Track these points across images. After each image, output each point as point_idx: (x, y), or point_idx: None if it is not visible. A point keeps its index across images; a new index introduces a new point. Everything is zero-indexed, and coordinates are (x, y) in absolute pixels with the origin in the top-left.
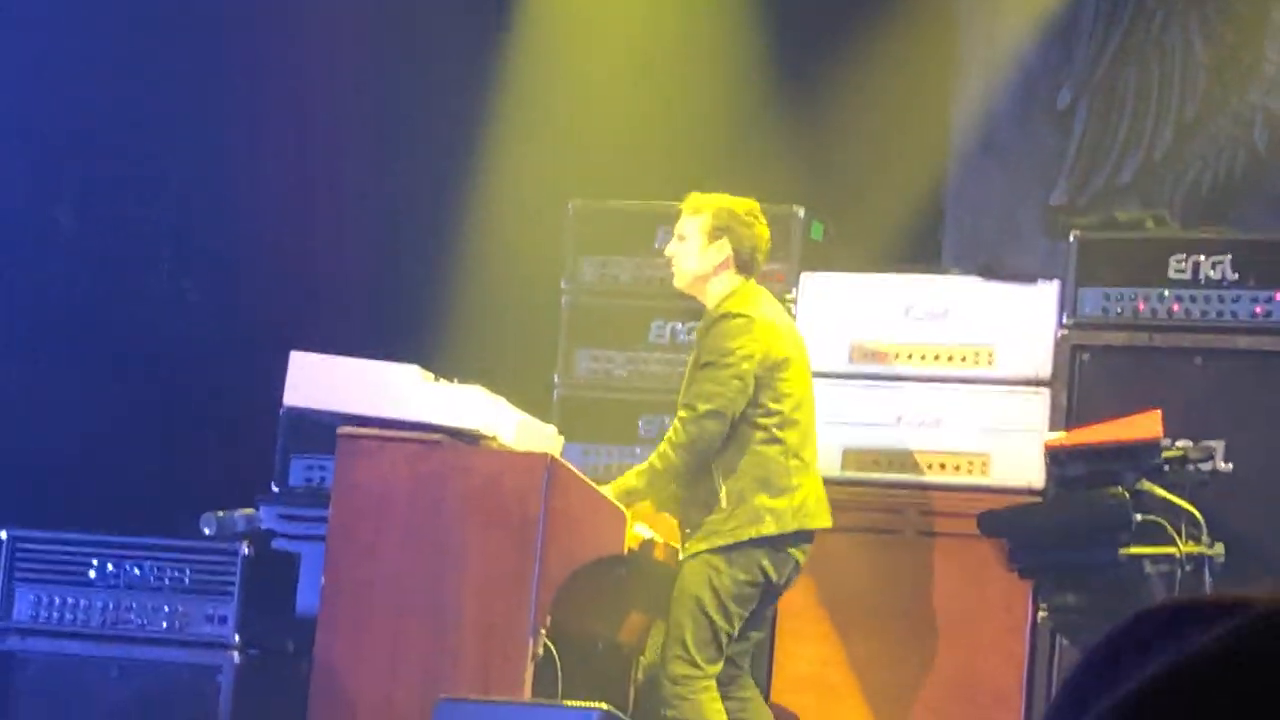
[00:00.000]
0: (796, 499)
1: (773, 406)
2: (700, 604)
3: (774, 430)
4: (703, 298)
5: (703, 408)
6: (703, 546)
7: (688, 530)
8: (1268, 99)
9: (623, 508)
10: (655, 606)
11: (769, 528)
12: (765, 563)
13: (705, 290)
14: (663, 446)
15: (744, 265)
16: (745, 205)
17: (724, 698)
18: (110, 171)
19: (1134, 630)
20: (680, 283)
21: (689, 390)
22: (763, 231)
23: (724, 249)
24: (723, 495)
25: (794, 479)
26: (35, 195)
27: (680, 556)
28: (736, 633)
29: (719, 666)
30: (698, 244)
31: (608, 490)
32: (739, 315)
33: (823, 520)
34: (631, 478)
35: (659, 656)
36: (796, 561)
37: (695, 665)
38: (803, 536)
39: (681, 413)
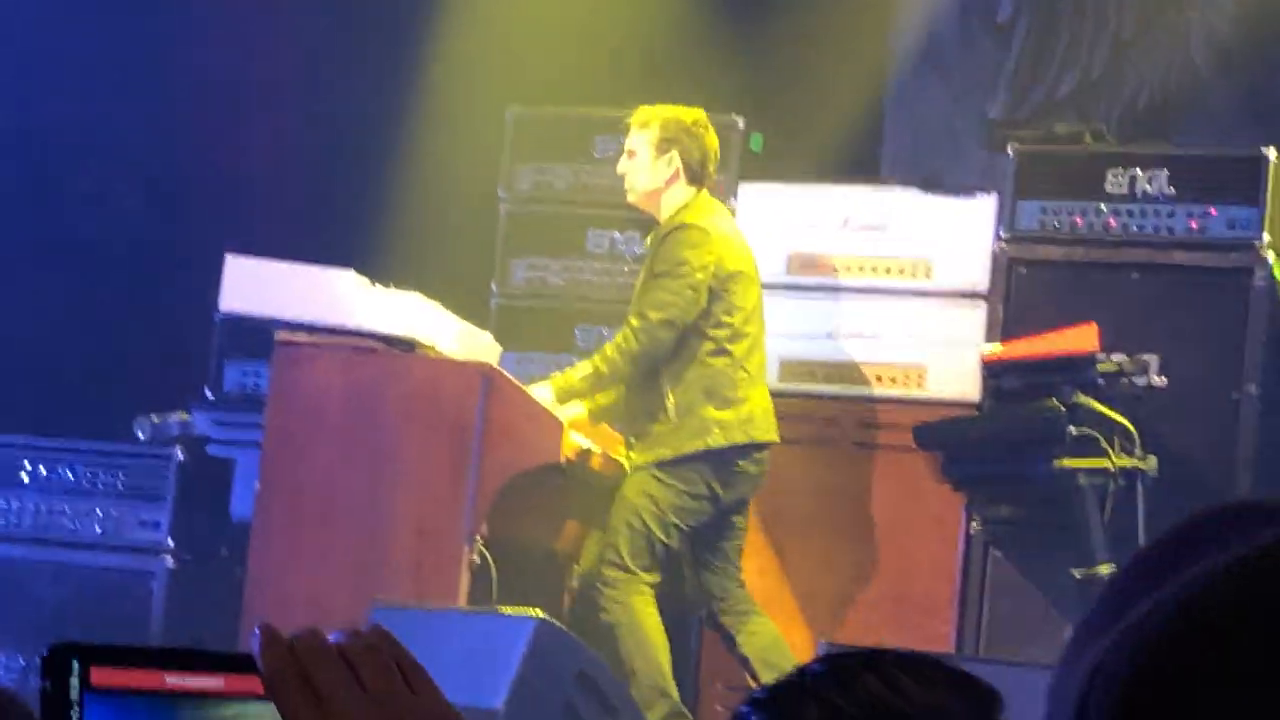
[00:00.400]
0: (743, 411)
1: (724, 319)
2: (638, 512)
3: (724, 342)
4: (655, 211)
5: (654, 316)
6: (649, 457)
7: (632, 439)
8: (1206, 15)
9: (559, 414)
10: (592, 516)
11: (716, 439)
12: (709, 477)
13: (658, 204)
14: (610, 351)
15: (694, 176)
16: (693, 115)
17: (723, 614)
18: (44, 73)
19: (1185, 532)
20: (633, 198)
21: (641, 299)
22: (711, 141)
23: (673, 161)
24: (670, 406)
25: (740, 390)
26: None
27: (626, 465)
28: (674, 545)
29: (655, 576)
30: (648, 157)
31: (547, 387)
32: (694, 226)
33: (769, 433)
34: (575, 379)
35: (595, 562)
36: (747, 474)
37: (628, 570)
38: (750, 449)
39: (633, 320)
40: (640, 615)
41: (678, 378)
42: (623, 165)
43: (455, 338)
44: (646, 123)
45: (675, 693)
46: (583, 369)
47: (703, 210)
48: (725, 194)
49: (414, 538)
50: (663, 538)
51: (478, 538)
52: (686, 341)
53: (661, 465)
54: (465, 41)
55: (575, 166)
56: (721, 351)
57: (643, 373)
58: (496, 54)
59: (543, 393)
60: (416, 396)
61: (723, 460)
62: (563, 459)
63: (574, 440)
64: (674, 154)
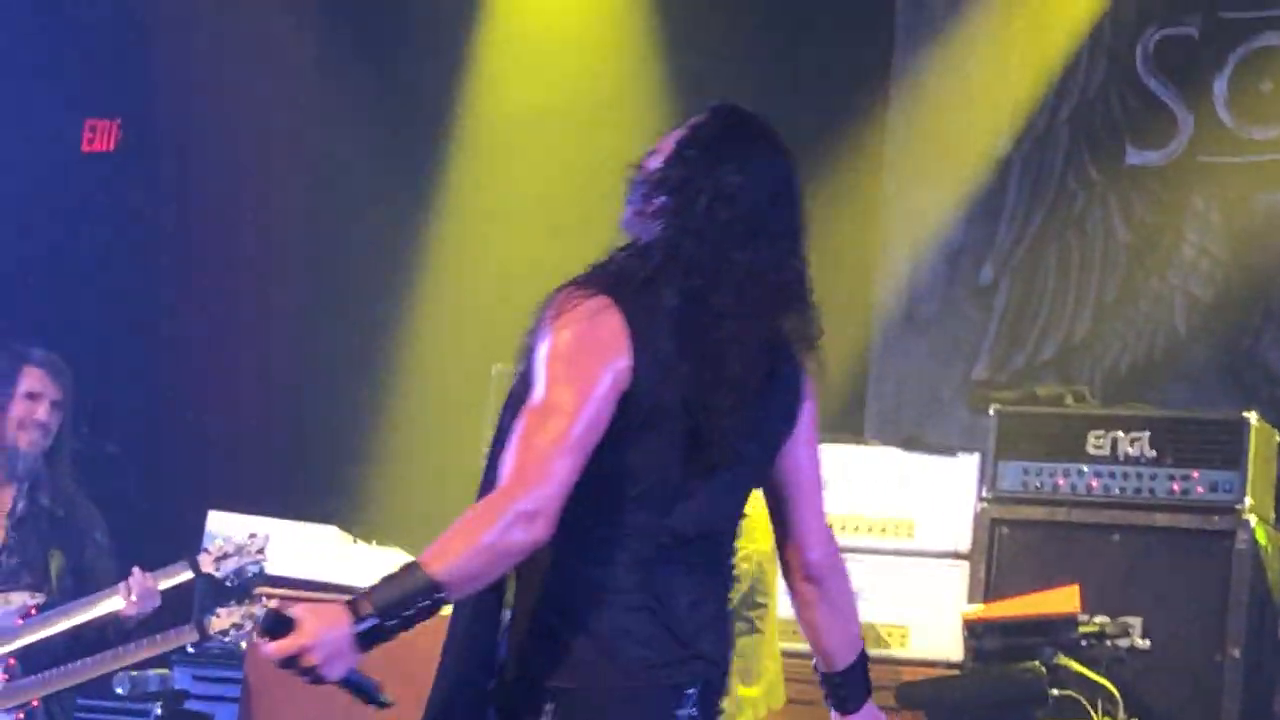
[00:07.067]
0: (765, 682)
1: (758, 599)
2: None
3: (756, 621)
4: None
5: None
6: None
7: None
8: (1187, 281)
9: None
10: None
11: (746, 718)
12: None
13: None
14: None
15: None
16: None
17: None
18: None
19: None
20: None
21: None
22: None
23: None
24: None
25: (764, 662)
26: None
27: None
28: None
29: None
30: None
31: None
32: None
33: (782, 698)
34: None
35: None
36: None
37: None
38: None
39: None
40: None
41: None
42: None
43: None
44: None
45: None
46: None
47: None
48: None
49: None
50: None
51: None
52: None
53: None
54: (450, 298)
55: None
56: (752, 630)
57: None
58: (481, 310)
59: None
60: (397, 652)
61: None
62: None
63: None
64: None
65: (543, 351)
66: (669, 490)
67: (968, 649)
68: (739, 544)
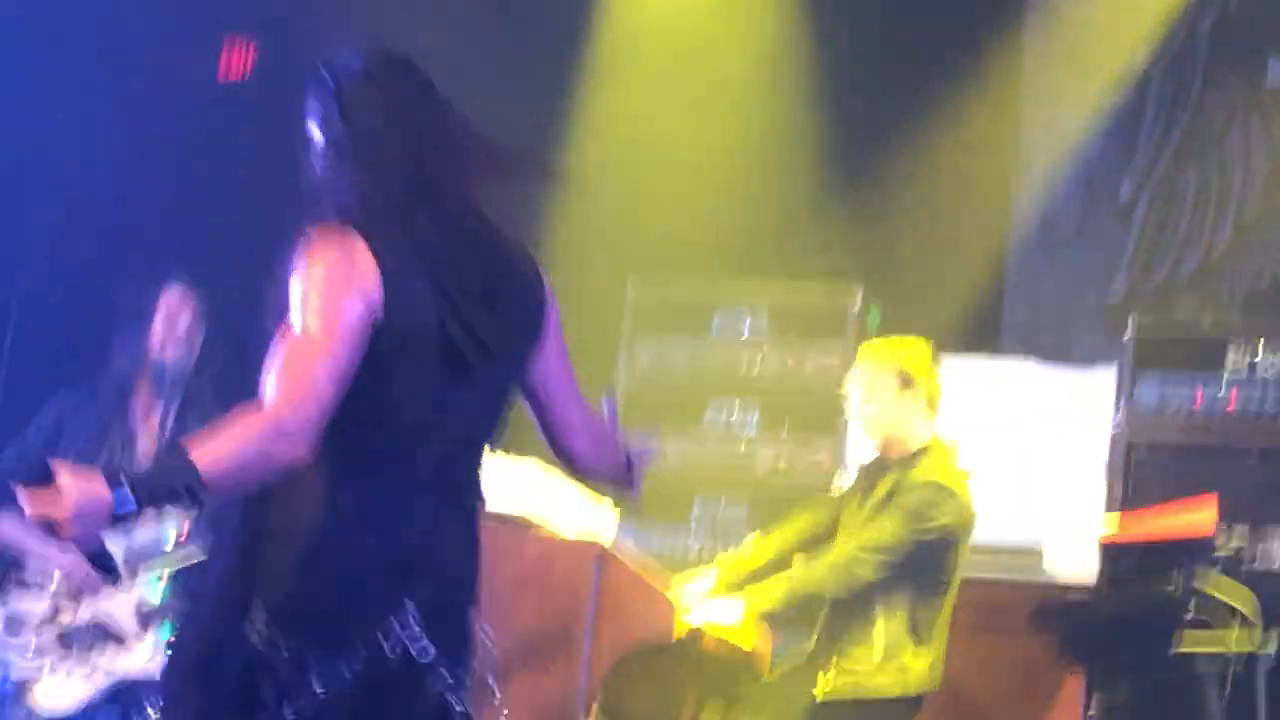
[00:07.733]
0: (934, 651)
1: (942, 577)
2: None
3: (938, 591)
4: (895, 448)
5: (876, 558)
6: (847, 694)
7: (835, 657)
8: None
9: (686, 588)
10: (704, 694)
11: (909, 689)
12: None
13: (895, 443)
14: (816, 572)
15: (934, 409)
16: (926, 349)
17: None
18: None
19: None
20: (874, 436)
21: (870, 527)
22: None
23: (918, 397)
24: (876, 638)
25: (936, 629)
26: None
27: (820, 685)
28: None
29: None
30: (891, 397)
31: (740, 605)
32: (952, 493)
33: (938, 682)
34: (774, 595)
35: None
36: None
37: None
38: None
39: (855, 551)
40: None
41: (891, 612)
42: (867, 406)
43: (571, 508)
44: (886, 361)
45: None
46: (780, 583)
47: (951, 465)
48: (843, 363)
49: (527, 713)
50: None
51: (588, 716)
52: (912, 585)
53: (860, 703)
54: (586, 215)
55: (695, 339)
56: (929, 603)
57: (842, 596)
58: (614, 226)
59: (708, 581)
60: (529, 574)
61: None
62: (675, 639)
63: (685, 620)
64: (916, 390)
65: (296, 286)
66: (423, 419)
67: (1103, 570)
68: (931, 513)
